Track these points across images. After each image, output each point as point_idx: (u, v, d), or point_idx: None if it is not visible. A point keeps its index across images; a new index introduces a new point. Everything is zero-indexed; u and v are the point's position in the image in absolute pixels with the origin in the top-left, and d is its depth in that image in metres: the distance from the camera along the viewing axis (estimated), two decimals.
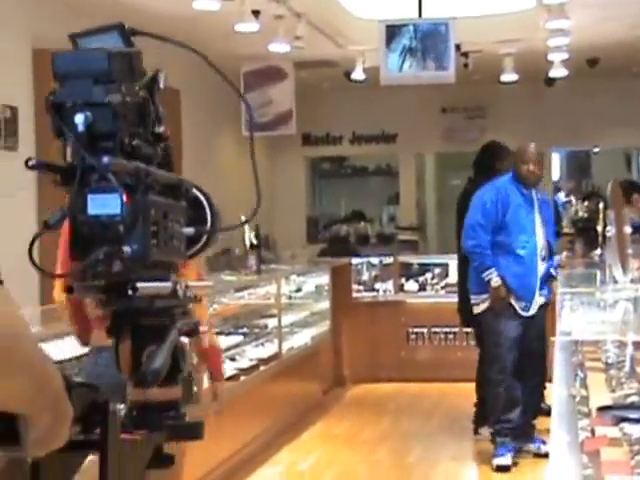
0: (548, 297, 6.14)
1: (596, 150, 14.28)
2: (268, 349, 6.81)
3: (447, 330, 8.81)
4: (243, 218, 1.48)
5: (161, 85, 1.24)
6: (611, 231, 5.20)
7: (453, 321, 8.59)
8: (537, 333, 6.10)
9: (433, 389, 8.39)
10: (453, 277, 9.09)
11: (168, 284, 1.19)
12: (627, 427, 2.24)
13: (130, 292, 1.13)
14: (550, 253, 6.16)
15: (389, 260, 9.46)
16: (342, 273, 9.01)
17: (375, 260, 9.58)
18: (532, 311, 6.03)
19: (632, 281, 5.25)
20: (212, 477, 5.52)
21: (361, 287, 9.37)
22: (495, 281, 6.02)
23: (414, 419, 7.67)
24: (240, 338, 6.48)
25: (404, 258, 9.67)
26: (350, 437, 7.02)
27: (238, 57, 9.67)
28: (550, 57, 10.01)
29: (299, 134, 12.14)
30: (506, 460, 5.99)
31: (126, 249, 1.11)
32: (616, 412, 2.38)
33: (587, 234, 8.97)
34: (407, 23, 8.51)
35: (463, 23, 8.48)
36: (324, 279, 8.63)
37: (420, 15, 8.55)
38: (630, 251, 5.41)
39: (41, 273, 1.19)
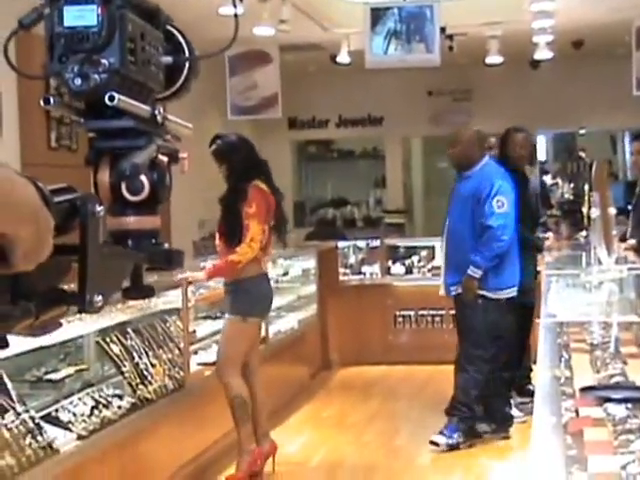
0: (455, 287, 6.07)
1: (582, 132, 14.30)
2: None
3: (434, 313, 8.83)
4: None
5: None
6: (596, 213, 5.22)
7: (440, 304, 8.63)
8: (459, 322, 6.21)
9: (420, 372, 8.42)
10: (439, 260, 9.09)
11: (147, 107, 1.18)
12: (611, 407, 2.25)
13: (107, 101, 1.11)
14: (461, 243, 6.01)
15: (376, 243, 9.46)
16: (329, 257, 9.01)
17: (362, 243, 9.58)
18: (441, 292, 6.28)
19: (617, 262, 5.27)
20: (201, 460, 5.54)
21: (348, 270, 9.37)
22: None
23: (401, 401, 7.70)
24: None
25: (391, 241, 9.67)
26: (338, 420, 7.04)
27: (222, 41, 9.57)
28: (535, 39, 10.01)
29: (285, 118, 12.12)
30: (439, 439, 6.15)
31: (103, 61, 1.10)
32: (599, 392, 2.39)
33: (573, 216, 8.99)
34: (392, 6, 8.49)
35: (448, 6, 8.47)
36: (311, 263, 8.63)
37: None
38: (615, 232, 5.43)
39: (16, 72, 1.17)
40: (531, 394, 6.02)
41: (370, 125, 13.35)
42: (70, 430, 4.26)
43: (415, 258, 9.34)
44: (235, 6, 1.56)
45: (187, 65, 1.27)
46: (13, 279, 0.97)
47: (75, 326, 4.41)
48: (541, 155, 14.39)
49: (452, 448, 6.02)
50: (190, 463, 5.40)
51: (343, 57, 10.23)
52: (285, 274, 8.23)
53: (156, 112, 1.19)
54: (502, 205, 5.96)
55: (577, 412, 2.26)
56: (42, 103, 1.15)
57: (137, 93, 1.16)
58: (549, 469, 1.87)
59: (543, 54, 10.39)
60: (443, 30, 8.95)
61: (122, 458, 4.57)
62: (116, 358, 4.89)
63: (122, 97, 1.12)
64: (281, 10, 8.39)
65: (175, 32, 1.27)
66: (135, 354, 5.05)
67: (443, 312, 8.75)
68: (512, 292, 6.10)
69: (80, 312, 1.07)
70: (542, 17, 8.94)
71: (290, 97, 11.01)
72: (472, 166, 6.13)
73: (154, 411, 4.98)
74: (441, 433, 6.07)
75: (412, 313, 8.91)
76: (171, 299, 5.63)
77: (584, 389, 2.42)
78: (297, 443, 6.40)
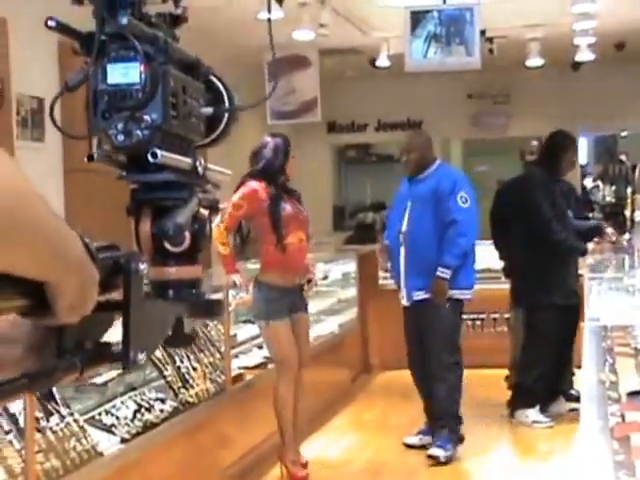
0: (419, 292, 5.90)
1: (624, 134, 14.15)
2: None
3: (474, 317, 8.77)
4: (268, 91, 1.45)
5: None
6: None
7: (480, 307, 8.58)
8: (424, 329, 5.96)
9: None
10: (479, 263, 9.03)
11: (188, 159, 1.20)
12: None
13: (150, 158, 1.13)
14: (425, 245, 5.84)
15: None
16: (369, 260, 8.99)
17: None
18: (404, 301, 6.11)
19: None
20: (245, 462, 5.55)
21: (388, 274, 9.34)
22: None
23: None
24: None
25: None
26: (379, 423, 7.03)
27: (261, 46, 9.61)
28: (576, 41, 9.93)
29: (324, 122, 12.12)
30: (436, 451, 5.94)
31: (145, 117, 1.12)
32: None
33: (615, 219, 8.90)
34: (432, 9, 8.46)
35: (488, 8, 8.42)
36: (351, 266, 8.62)
37: (445, 1, 8.50)
38: None
39: (62, 133, 1.20)
40: (576, 399, 5.96)
41: (409, 129, 13.28)
42: (113, 433, 4.29)
43: None
44: (269, 12, 1.56)
45: (227, 114, 1.29)
46: (59, 333, 0.99)
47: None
48: (582, 158, 14.28)
49: (449, 460, 5.87)
50: (232, 466, 5.42)
51: (382, 61, 10.22)
52: (325, 278, 8.24)
53: (197, 164, 1.21)
54: (466, 201, 5.85)
55: (623, 417, 2.23)
56: (86, 160, 1.17)
57: (178, 146, 1.19)
58: (596, 474, 1.84)
59: (584, 56, 10.30)
60: (483, 33, 8.91)
61: (165, 461, 4.60)
62: (158, 362, 4.92)
63: (164, 153, 1.14)
64: (321, 14, 8.40)
65: (216, 81, 1.28)
66: (177, 358, 5.07)
67: (483, 315, 8.70)
68: (470, 293, 5.99)
69: (124, 369, 1.09)
70: (584, 19, 8.86)
71: (329, 101, 11.01)
72: (426, 169, 6.04)
73: (196, 414, 5.00)
74: (436, 446, 5.89)
75: None
76: None
77: (631, 394, 2.40)
78: (339, 446, 6.39)
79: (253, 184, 5.46)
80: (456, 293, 5.88)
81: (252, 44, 9.48)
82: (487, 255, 8.60)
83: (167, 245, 1.18)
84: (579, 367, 3.94)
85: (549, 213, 6.32)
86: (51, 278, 0.89)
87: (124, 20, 1.11)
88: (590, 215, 8.94)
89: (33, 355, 0.96)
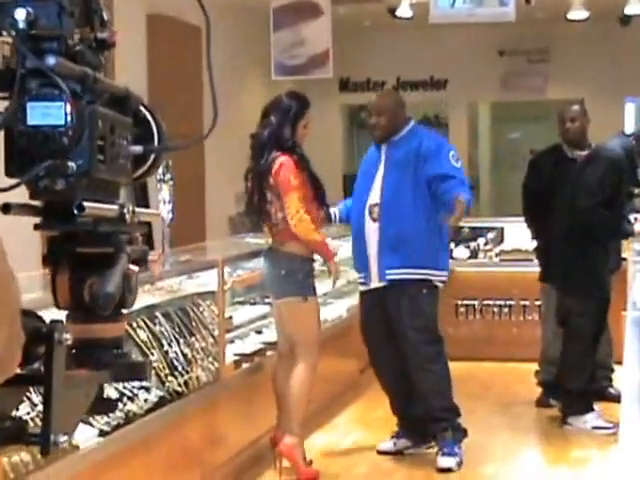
0: (393, 270, 5.79)
1: None
2: None
3: (501, 303, 8.79)
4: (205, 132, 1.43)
5: None
6: None
7: (509, 293, 8.60)
8: (396, 317, 5.86)
9: (485, 369, 8.39)
10: (509, 243, 9.06)
11: (114, 207, 1.19)
12: None
13: (76, 212, 1.12)
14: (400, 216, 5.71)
15: None
16: None
17: None
18: (372, 284, 5.95)
19: None
20: (237, 462, 5.58)
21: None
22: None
23: (463, 402, 7.65)
24: (266, 309, 6.49)
25: None
26: (390, 420, 7.03)
27: None
28: None
29: (336, 79, 12.12)
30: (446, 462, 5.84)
31: (70, 164, 1.11)
32: None
33: None
34: None
35: None
36: None
37: None
38: None
39: None
40: (615, 398, 5.95)
41: (432, 89, 13.29)
42: (91, 425, 4.30)
43: (481, 240, 9.29)
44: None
45: (153, 156, 1.28)
46: None
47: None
48: (629, 126, 14.23)
49: (460, 464, 5.82)
50: (225, 465, 5.44)
51: (404, 10, 10.18)
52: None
53: (124, 210, 1.20)
54: (457, 160, 5.83)
55: None
56: (1, 212, 1.16)
57: (104, 190, 1.17)
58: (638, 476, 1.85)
59: (635, 8, 10.23)
60: None
61: (148, 457, 4.62)
62: (143, 345, 4.94)
63: (90, 204, 1.13)
64: None
65: (146, 113, 1.27)
66: (164, 342, 5.09)
67: (512, 302, 8.70)
68: (446, 276, 5.98)
69: (42, 454, 1.09)
70: None
71: (342, 56, 10.98)
72: (399, 131, 5.98)
73: (185, 406, 5.02)
74: (444, 455, 5.81)
75: (476, 303, 8.88)
76: (205, 281, 5.66)
77: None
78: (344, 445, 6.42)
79: (283, 159, 5.48)
80: (435, 274, 5.82)
81: None
82: (517, 234, 8.62)
83: (89, 304, 1.18)
84: (619, 363, 3.93)
85: (599, 196, 6.27)
86: None
87: (52, 61, 1.09)
88: (636, 191, 8.91)
89: None
